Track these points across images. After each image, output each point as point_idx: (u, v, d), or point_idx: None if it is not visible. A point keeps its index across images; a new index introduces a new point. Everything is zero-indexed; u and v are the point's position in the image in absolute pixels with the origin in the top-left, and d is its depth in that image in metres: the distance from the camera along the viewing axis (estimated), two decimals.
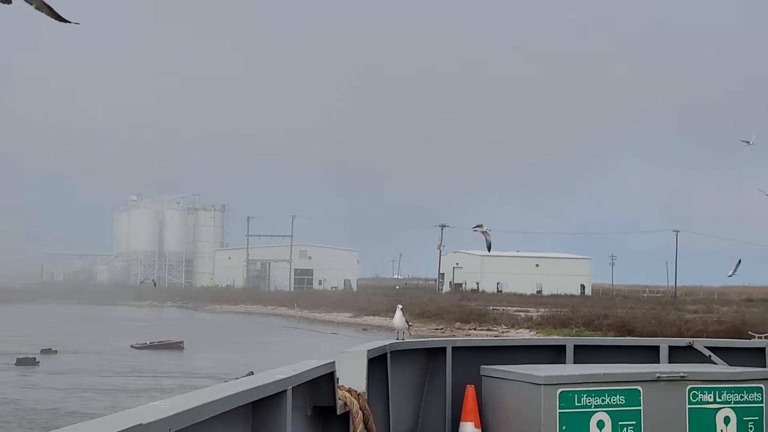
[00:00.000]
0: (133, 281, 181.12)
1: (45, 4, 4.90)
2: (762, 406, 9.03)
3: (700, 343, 10.08)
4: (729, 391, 8.98)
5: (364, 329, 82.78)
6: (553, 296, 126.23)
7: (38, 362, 49.09)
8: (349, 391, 6.87)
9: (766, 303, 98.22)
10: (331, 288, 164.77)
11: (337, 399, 6.48)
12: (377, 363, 8.12)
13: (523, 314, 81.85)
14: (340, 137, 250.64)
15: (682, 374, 8.93)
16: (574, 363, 10.04)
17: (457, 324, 75.49)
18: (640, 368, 9.24)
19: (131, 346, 59.70)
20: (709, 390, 8.93)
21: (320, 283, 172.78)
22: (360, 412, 6.84)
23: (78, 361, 50.83)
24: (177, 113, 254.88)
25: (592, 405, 8.63)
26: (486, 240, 48.70)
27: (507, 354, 9.98)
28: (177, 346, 60.29)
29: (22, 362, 48.37)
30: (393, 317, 11.93)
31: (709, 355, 9.95)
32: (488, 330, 71.65)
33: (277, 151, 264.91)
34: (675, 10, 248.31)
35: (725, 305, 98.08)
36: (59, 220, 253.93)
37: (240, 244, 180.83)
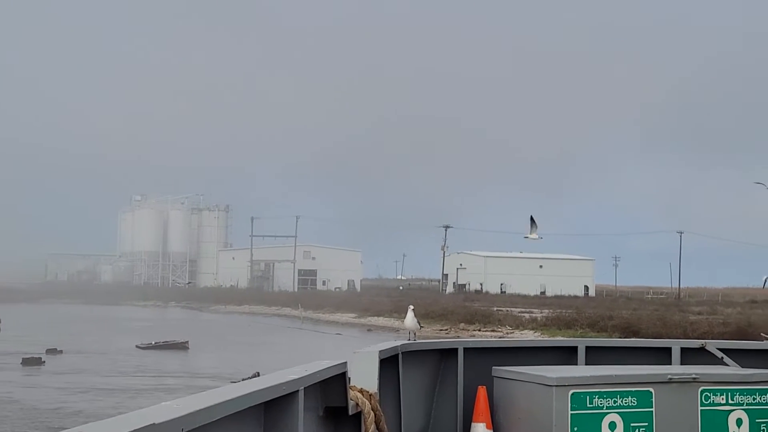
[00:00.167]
0: (136, 281, 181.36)
1: None
2: None
3: (712, 345, 10.08)
4: (741, 393, 8.98)
5: (368, 330, 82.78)
6: (556, 297, 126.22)
7: (44, 362, 49.12)
8: (361, 391, 6.88)
9: None
10: (335, 288, 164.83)
11: (348, 399, 6.48)
12: (389, 364, 8.15)
13: (527, 315, 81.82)
14: (343, 138, 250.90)
15: (694, 376, 8.93)
16: (586, 364, 10.06)
17: (462, 325, 75.44)
18: (652, 370, 9.24)
19: (136, 346, 59.74)
20: (722, 392, 8.93)
21: (324, 283, 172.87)
22: (372, 413, 6.85)
23: (83, 361, 50.88)
24: (181, 113, 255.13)
25: (603, 406, 8.65)
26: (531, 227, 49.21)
27: (518, 355, 10.00)
28: (182, 347, 60.34)
29: (27, 362, 48.39)
30: (404, 318, 11.96)
31: (722, 357, 9.96)
32: (493, 331, 71.63)
33: (281, 151, 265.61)
34: (675, 9, 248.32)
35: (729, 307, 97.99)
36: (63, 220, 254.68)
37: (244, 244, 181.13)
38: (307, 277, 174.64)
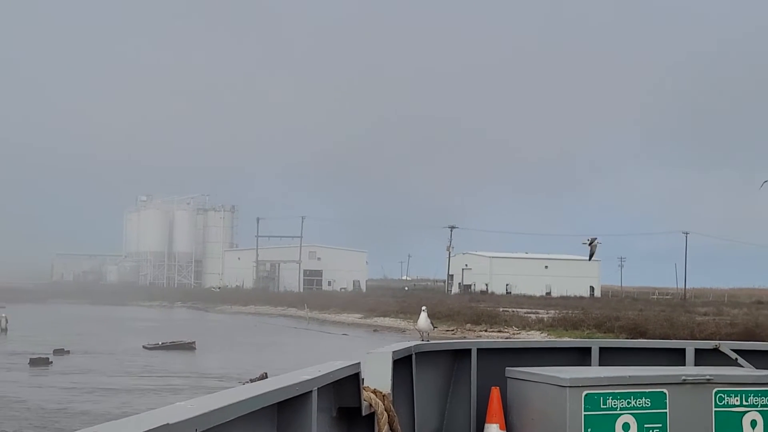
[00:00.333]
0: (142, 281, 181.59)
1: None
2: None
3: (726, 346, 10.07)
4: (756, 394, 8.98)
5: (374, 330, 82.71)
6: (562, 298, 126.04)
7: (51, 362, 49.15)
8: (375, 392, 6.90)
9: None
10: (341, 289, 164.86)
11: (362, 400, 6.50)
12: (402, 364, 8.16)
13: (533, 316, 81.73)
14: (347, 138, 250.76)
15: (708, 377, 8.93)
16: (599, 365, 10.07)
17: (468, 325, 75.38)
18: (666, 371, 9.24)
19: (143, 347, 59.75)
20: (736, 393, 8.93)
21: (329, 284, 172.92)
22: (385, 414, 6.87)
23: (91, 362, 50.92)
24: (185, 114, 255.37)
25: (617, 407, 8.65)
26: (591, 250, 49.47)
27: (532, 356, 10.01)
28: (189, 347, 60.32)
29: (35, 362, 48.42)
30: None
31: (736, 358, 9.94)
32: (499, 332, 71.58)
33: (285, 152, 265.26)
34: (676, 9, 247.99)
35: (735, 307, 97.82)
36: (69, 220, 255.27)
37: (249, 244, 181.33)
38: (313, 277, 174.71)
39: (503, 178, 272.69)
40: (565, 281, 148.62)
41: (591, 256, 52.68)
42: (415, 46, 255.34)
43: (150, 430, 3.34)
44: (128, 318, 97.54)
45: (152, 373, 46.09)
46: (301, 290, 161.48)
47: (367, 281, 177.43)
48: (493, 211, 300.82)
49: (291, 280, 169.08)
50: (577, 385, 8.60)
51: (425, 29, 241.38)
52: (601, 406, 8.61)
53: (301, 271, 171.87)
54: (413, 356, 8.57)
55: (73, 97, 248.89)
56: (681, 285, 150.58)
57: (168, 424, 3.45)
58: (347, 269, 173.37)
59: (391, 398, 7.05)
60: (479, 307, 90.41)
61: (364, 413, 6.54)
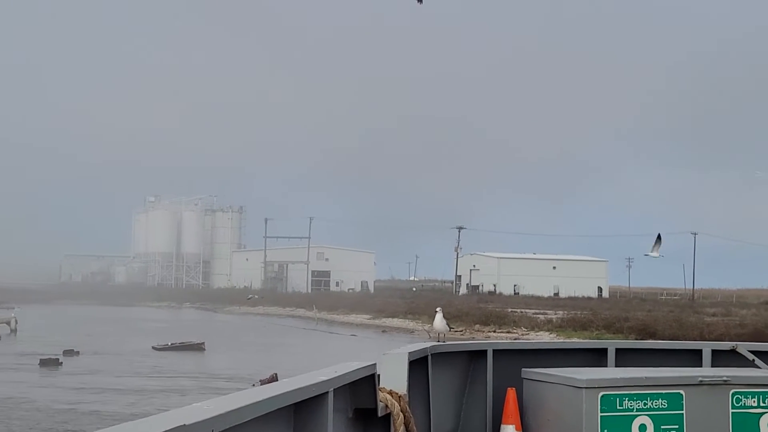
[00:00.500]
0: (150, 282, 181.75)
1: None
2: None
3: (743, 347, 10.04)
4: None
5: (383, 331, 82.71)
6: (570, 298, 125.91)
7: (61, 363, 49.25)
8: (391, 393, 6.90)
9: None
10: (348, 290, 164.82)
11: (378, 401, 6.50)
12: (418, 365, 8.16)
13: (542, 317, 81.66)
14: (354, 139, 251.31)
15: (725, 378, 8.89)
16: (616, 366, 10.05)
17: (477, 326, 75.35)
18: (682, 372, 9.22)
19: (153, 348, 59.85)
20: (753, 394, 8.89)
21: (337, 284, 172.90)
22: (401, 414, 6.86)
23: (100, 363, 51.01)
24: (194, 115, 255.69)
25: (633, 408, 8.63)
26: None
27: (548, 357, 10.00)
28: (198, 348, 60.39)
29: (45, 363, 48.54)
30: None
31: (753, 359, 9.92)
32: (508, 332, 71.55)
33: (293, 153, 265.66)
34: (676, 9, 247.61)
35: (744, 308, 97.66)
36: (77, 221, 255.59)
37: (257, 245, 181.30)
38: (321, 278, 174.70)
39: (511, 178, 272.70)
40: (573, 282, 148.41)
41: (653, 248, 53.05)
42: (422, 48, 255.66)
43: (167, 431, 3.36)
44: (137, 319, 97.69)
45: (162, 374, 46.15)
46: (309, 291, 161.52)
47: (374, 282, 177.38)
48: (501, 212, 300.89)
49: (299, 281, 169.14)
50: (593, 386, 8.58)
51: (426, 29, 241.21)
52: (618, 408, 8.59)
53: (309, 272, 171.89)
54: (429, 357, 8.56)
55: (80, 98, 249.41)
56: (689, 285, 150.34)
57: (185, 425, 3.47)
58: (355, 270, 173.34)
59: (407, 399, 7.04)
60: (488, 308, 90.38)
61: (380, 414, 6.54)
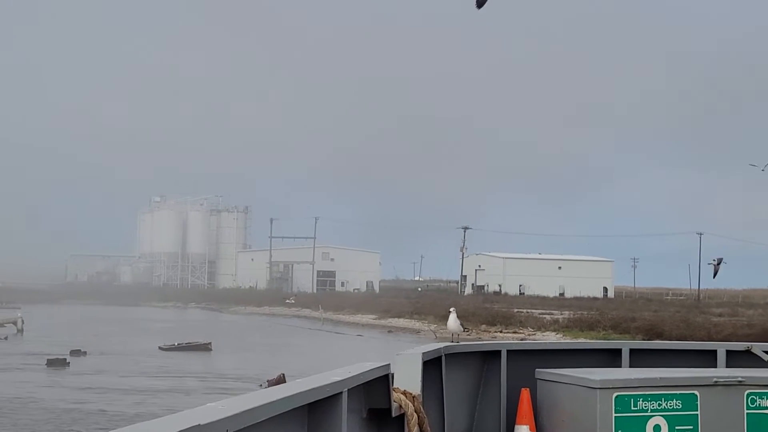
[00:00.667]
0: (156, 282, 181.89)
1: None
2: None
3: (758, 348, 10.03)
4: None
5: (389, 331, 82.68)
6: (576, 299, 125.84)
7: (68, 363, 49.29)
8: (404, 393, 6.90)
9: None
10: (354, 290, 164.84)
11: (392, 401, 6.50)
12: (432, 366, 8.16)
13: (548, 317, 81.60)
14: (359, 139, 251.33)
15: (740, 379, 8.88)
16: (630, 367, 10.05)
17: (483, 326, 75.27)
18: (697, 372, 9.20)
19: (159, 348, 59.88)
20: None
21: (342, 284, 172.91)
22: (415, 415, 6.86)
23: (107, 363, 51.04)
24: (200, 115, 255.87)
25: (648, 409, 8.62)
26: (715, 270, 50.84)
27: (562, 357, 9.98)
28: (205, 348, 60.41)
29: (52, 363, 48.57)
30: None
31: None
32: (514, 333, 71.48)
33: (297, 153, 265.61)
34: (677, 9, 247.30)
35: (750, 308, 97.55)
36: (83, 221, 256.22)
37: (263, 245, 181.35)
38: (326, 278, 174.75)
39: (516, 179, 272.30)
40: (579, 282, 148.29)
41: (715, 274, 53.59)
42: (419, 47, 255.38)
43: (181, 430, 3.36)
44: (143, 319, 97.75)
45: (169, 374, 46.17)
46: (315, 291, 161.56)
47: (379, 282, 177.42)
48: (506, 212, 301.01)
49: (304, 281, 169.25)
50: (607, 387, 8.58)
51: (427, 29, 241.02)
52: (632, 408, 8.59)
53: (315, 272, 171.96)
54: (443, 357, 8.57)
55: (80, 98, 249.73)
56: (694, 286, 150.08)
57: (199, 425, 3.47)
58: (360, 270, 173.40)
59: (421, 399, 7.05)
60: (493, 308, 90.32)
61: (394, 414, 6.54)
